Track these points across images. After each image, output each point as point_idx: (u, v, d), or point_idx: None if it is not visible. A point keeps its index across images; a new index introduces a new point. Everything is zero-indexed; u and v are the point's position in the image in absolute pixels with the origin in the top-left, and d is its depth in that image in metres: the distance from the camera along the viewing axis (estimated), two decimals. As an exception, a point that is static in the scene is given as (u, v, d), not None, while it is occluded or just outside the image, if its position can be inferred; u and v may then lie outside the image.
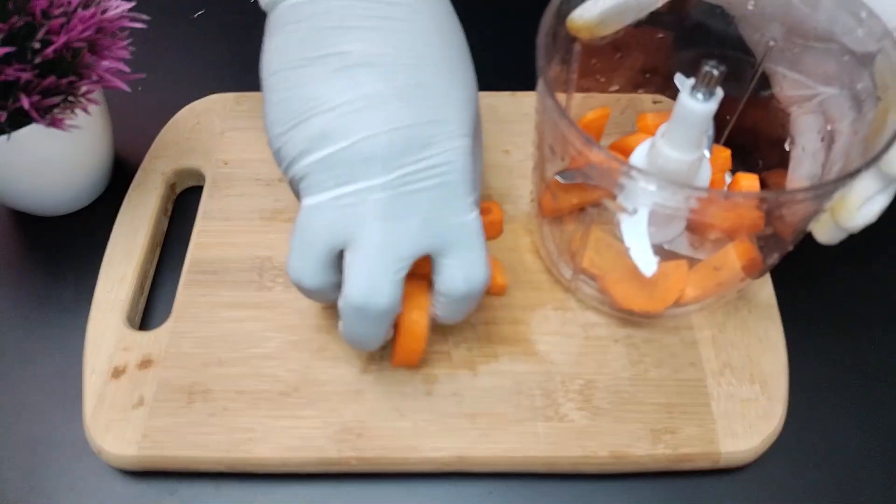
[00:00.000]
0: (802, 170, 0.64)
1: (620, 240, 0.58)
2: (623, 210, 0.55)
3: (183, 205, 0.80)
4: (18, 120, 0.66)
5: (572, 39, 0.62)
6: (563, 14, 0.60)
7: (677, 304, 0.66)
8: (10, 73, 0.62)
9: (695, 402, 0.64)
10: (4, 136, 0.66)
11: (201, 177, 0.79)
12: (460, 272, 0.57)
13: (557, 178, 0.61)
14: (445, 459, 0.62)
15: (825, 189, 0.51)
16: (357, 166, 0.55)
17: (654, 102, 0.79)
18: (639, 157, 0.65)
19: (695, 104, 0.56)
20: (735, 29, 0.65)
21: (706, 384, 0.65)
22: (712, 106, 0.56)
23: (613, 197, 0.54)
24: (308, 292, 0.59)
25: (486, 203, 0.74)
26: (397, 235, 0.55)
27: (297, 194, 0.58)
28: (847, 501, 0.63)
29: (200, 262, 0.72)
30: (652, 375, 0.65)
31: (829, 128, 0.61)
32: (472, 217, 0.57)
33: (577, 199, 0.68)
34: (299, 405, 0.64)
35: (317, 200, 0.56)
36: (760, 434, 0.63)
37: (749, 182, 0.68)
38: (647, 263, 0.58)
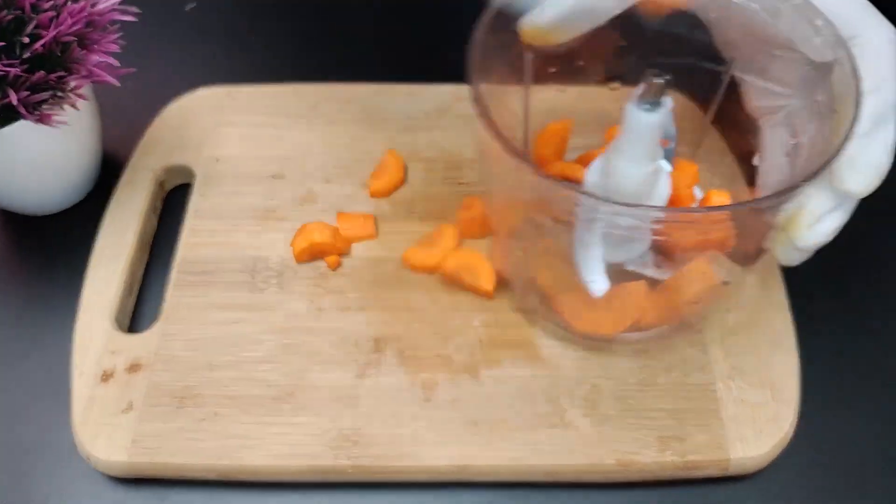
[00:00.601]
0: (769, 185, 0.63)
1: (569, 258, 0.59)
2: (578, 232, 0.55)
3: (173, 203, 0.79)
4: (6, 116, 0.65)
5: (523, 48, 0.61)
6: (497, 26, 0.59)
7: (636, 327, 0.64)
8: (-1, 68, 0.61)
9: (703, 407, 0.63)
10: (-9, 133, 0.65)
11: (191, 174, 0.78)
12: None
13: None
14: (445, 468, 0.61)
15: (761, 204, 0.50)
16: None
17: (612, 90, 0.76)
18: (595, 170, 0.63)
19: (641, 114, 0.55)
20: (702, 36, 0.65)
21: (715, 389, 0.64)
22: (659, 116, 0.55)
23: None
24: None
25: (469, 198, 0.73)
26: None
27: None
28: (860, 509, 0.62)
29: (191, 262, 0.71)
30: (660, 380, 0.64)
31: (792, 141, 0.61)
32: None
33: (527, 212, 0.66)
34: (293, 411, 0.63)
35: None
36: (771, 440, 0.62)
37: (720, 199, 0.67)
38: (595, 282, 0.59)
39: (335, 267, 0.71)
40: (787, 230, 0.58)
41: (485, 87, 0.55)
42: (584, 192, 0.49)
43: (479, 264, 0.69)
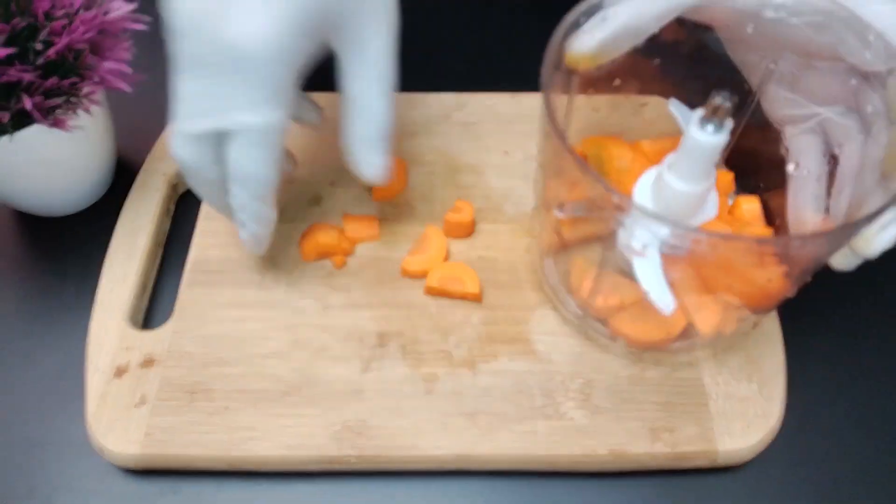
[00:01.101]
0: (806, 193, 0.63)
1: (627, 275, 0.58)
2: (636, 253, 0.54)
3: (185, 205, 0.80)
4: (21, 121, 0.66)
5: (569, 71, 0.62)
6: (565, 46, 0.59)
7: (686, 336, 0.65)
8: (13, 73, 0.62)
9: (693, 401, 0.64)
10: (7, 137, 0.66)
11: (203, 177, 0.79)
12: (235, 158, 0.60)
13: (556, 213, 0.61)
14: (445, 458, 0.62)
15: (851, 229, 0.49)
16: (172, 39, 0.58)
17: (641, 105, 0.77)
18: (644, 187, 0.63)
19: (704, 137, 0.54)
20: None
21: (704, 383, 0.65)
22: (722, 138, 0.54)
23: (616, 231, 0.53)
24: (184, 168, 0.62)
25: (460, 202, 0.75)
26: (187, 111, 0.59)
27: None
28: (844, 500, 0.63)
29: (202, 262, 0.73)
30: (650, 374, 0.66)
31: (836, 150, 0.61)
32: (261, 117, 0.58)
33: (582, 232, 0.67)
34: (300, 404, 0.64)
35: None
36: (758, 433, 0.63)
37: (750, 205, 0.68)
38: (665, 301, 0.58)
39: (340, 266, 0.72)
40: (851, 241, 0.58)
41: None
42: (664, 219, 0.48)
43: (463, 273, 0.70)
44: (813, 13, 0.57)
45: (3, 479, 0.64)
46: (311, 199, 0.77)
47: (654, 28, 0.59)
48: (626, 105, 0.73)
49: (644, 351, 0.67)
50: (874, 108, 0.57)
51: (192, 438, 0.62)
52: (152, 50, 0.77)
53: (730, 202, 0.70)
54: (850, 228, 0.49)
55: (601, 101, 0.70)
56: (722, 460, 0.63)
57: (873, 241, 0.56)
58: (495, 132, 0.82)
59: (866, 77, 0.57)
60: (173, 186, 0.79)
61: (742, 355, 0.67)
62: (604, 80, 0.65)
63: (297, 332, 0.68)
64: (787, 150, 0.66)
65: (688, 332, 0.64)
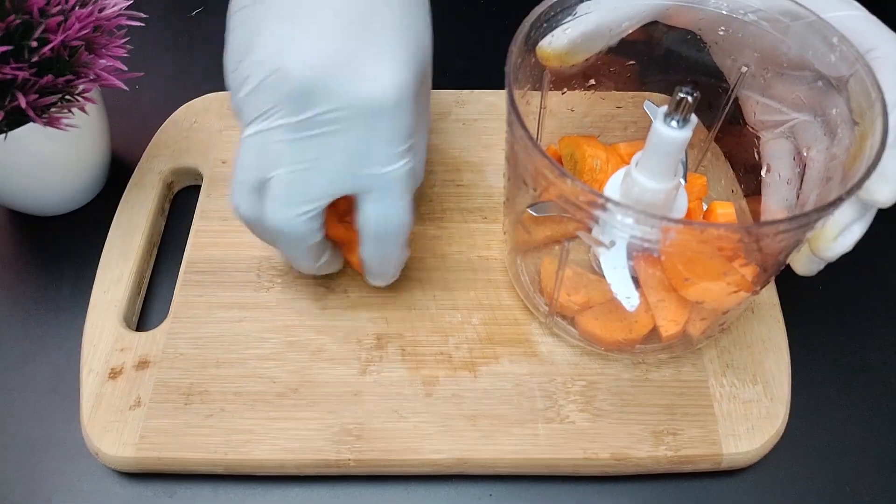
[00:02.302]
0: (778, 196, 0.63)
1: (595, 273, 0.58)
2: (600, 244, 0.54)
3: (180, 204, 0.80)
4: (16, 119, 0.65)
5: (542, 67, 0.62)
6: (532, 42, 0.59)
7: (651, 339, 0.65)
8: (7, 71, 0.62)
9: (697, 403, 0.64)
10: (1, 136, 0.65)
11: (199, 176, 0.79)
12: (373, 215, 0.59)
13: (530, 211, 0.60)
14: (445, 461, 0.62)
15: (808, 219, 0.49)
16: (277, 99, 0.55)
17: (617, 107, 0.76)
18: (613, 186, 0.63)
19: (669, 132, 0.54)
20: (708, 55, 0.65)
21: (708, 385, 0.65)
22: (687, 133, 0.54)
23: (589, 229, 0.53)
24: (244, 221, 0.60)
25: None
26: (305, 180, 0.56)
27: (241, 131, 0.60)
28: (850, 503, 0.63)
29: (198, 262, 0.72)
30: (653, 377, 0.65)
31: (804, 153, 0.61)
32: (398, 166, 0.57)
33: (551, 231, 0.66)
34: (297, 407, 0.64)
35: (247, 133, 0.57)
36: (763, 435, 0.62)
37: (724, 210, 0.67)
38: (629, 297, 0.59)
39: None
40: (810, 242, 0.58)
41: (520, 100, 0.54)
42: (630, 209, 0.48)
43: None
44: (782, 17, 0.58)
45: (-2, 481, 0.63)
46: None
47: (627, 30, 0.60)
48: (603, 105, 0.73)
49: (609, 352, 0.66)
50: (838, 111, 0.57)
51: (188, 441, 0.62)
52: (147, 47, 0.76)
53: (704, 207, 0.70)
54: (798, 220, 0.49)
55: (578, 100, 0.70)
56: (727, 464, 0.62)
57: (832, 244, 0.57)
58: (496, 130, 0.81)
59: (831, 81, 0.57)
60: (168, 185, 0.79)
61: (747, 356, 0.66)
62: (578, 78, 0.66)
63: (293, 334, 0.68)
64: (758, 154, 0.66)
65: (653, 334, 0.64)
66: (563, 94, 0.68)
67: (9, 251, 0.76)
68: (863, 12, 0.58)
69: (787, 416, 0.64)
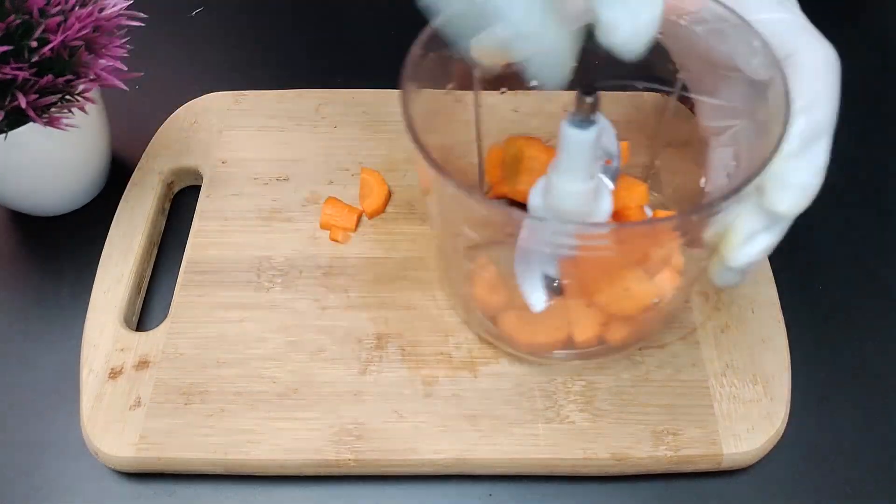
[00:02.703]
0: None
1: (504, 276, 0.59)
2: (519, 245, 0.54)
3: (180, 204, 0.80)
4: (16, 119, 0.65)
5: (470, 65, 0.61)
6: (433, 44, 0.57)
7: (572, 345, 0.64)
8: (8, 71, 0.62)
9: (697, 403, 0.64)
10: (1, 136, 0.65)
11: (199, 176, 0.79)
12: None
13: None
14: (445, 461, 0.61)
15: (681, 221, 0.49)
16: None
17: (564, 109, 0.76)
18: (538, 189, 0.62)
19: (575, 132, 0.54)
20: (653, 59, 0.64)
21: (708, 385, 0.65)
22: (592, 134, 0.54)
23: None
24: None
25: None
26: None
27: None
28: (851, 503, 0.63)
29: (198, 262, 0.72)
30: (654, 376, 0.65)
31: (734, 162, 0.60)
32: None
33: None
34: (298, 407, 0.64)
35: None
36: (763, 435, 0.62)
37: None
38: (537, 298, 0.59)
39: (343, 241, 0.73)
40: (718, 250, 0.58)
41: (417, 110, 0.53)
42: (509, 210, 0.49)
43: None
44: (713, 21, 0.57)
45: (-2, 481, 0.63)
46: (308, 197, 0.76)
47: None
48: (550, 105, 0.72)
49: (528, 356, 0.66)
50: (763, 117, 0.56)
51: (188, 441, 0.62)
52: (147, 47, 0.76)
53: (649, 213, 0.69)
54: (683, 218, 0.49)
55: (521, 100, 0.70)
56: (727, 464, 0.62)
57: (737, 253, 0.56)
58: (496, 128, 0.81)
59: (758, 86, 0.57)
60: (168, 185, 0.79)
61: (747, 356, 0.66)
62: (513, 78, 0.65)
63: (293, 334, 0.68)
64: (697, 164, 0.65)
65: (570, 340, 0.63)
66: (501, 93, 0.68)
67: (9, 251, 0.76)
68: (792, 16, 0.57)
69: (787, 416, 0.64)
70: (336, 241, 0.73)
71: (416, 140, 0.51)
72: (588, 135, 0.54)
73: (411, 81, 0.54)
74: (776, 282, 0.70)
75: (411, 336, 0.68)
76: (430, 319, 0.69)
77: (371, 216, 0.75)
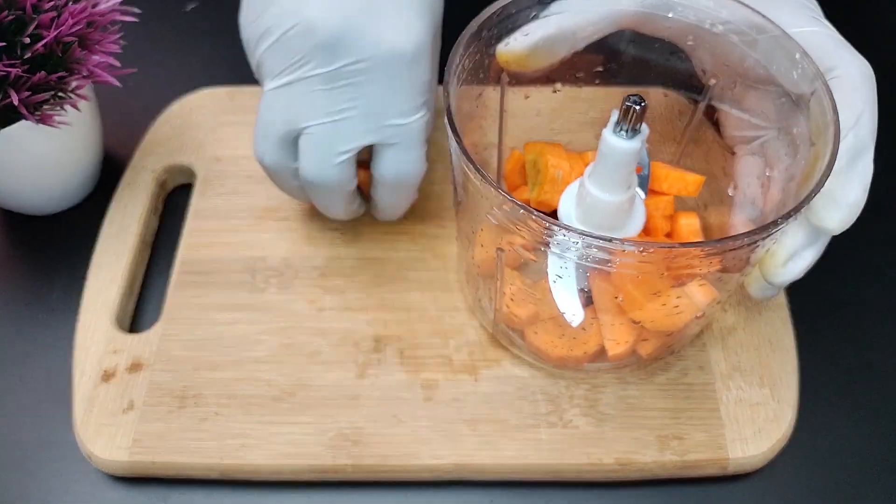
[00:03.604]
0: (743, 215, 0.63)
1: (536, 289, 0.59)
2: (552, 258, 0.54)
3: (174, 203, 0.79)
4: (7, 116, 0.65)
5: (500, 68, 0.61)
6: (484, 42, 0.59)
7: (600, 357, 0.64)
8: (0, 68, 0.61)
9: (703, 406, 0.63)
10: (-8, 133, 0.65)
11: (192, 174, 0.78)
12: (393, 165, 0.62)
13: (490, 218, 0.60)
14: (445, 467, 0.61)
15: (738, 242, 0.48)
16: (304, 51, 0.57)
17: (583, 113, 0.75)
18: (569, 196, 0.63)
19: (618, 142, 0.54)
20: (680, 64, 0.64)
21: (714, 388, 0.64)
22: (635, 144, 0.53)
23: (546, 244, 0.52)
24: (269, 171, 0.65)
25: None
26: (338, 130, 0.59)
27: (262, 83, 0.62)
28: (859, 509, 0.62)
29: (191, 262, 0.71)
30: (659, 379, 0.64)
31: (767, 173, 0.60)
32: (416, 118, 0.60)
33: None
34: (293, 411, 0.63)
35: (272, 86, 0.60)
36: (770, 439, 0.62)
37: (688, 221, 0.67)
38: (574, 314, 0.59)
39: None
40: (760, 266, 0.58)
41: (461, 115, 0.55)
42: (554, 223, 0.48)
43: None
44: (748, 30, 0.58)
45: (-10, 485, 0.63)
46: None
47: (591, 36, 0.60)
48: (573, 109, 0.71)
49: (557, 368, 0.65)
50: (799, 130, 0.56)
51: (182, 445, 0.61)
52: (141, 43, 0.75)
53: (641, 196, 0.68)
54: (723, 244, 0.48)
55: (544, 103, 0.69)
56: (733, 468, 0.61)
57: (781, 270, 0.57)
58: (495, 127, 0.80)
59: (794, 98, 0.57)
60: (161, 184, 0.78)
61: (754, 358, 0.66)
62: (542, 81, 0.66)
63: (289, 336, 0.67)
64: (724, 171, 0.65)
65: (602, 353, 0.63)
66: (526, 98, 0.68)
67: (-1, 251, 0.75)
68: (829, 30, 0.58)
69: (794, 420, 0.63)
70: None
71: (464, 152, 0.52)
72: (632, 145, 0.54)
73: (454, 81, 0.55)
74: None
75: (410, 339, 0.67)
76: (429, 322, 0.68)
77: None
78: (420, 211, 0.75)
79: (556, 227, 0.48)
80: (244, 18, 0.62)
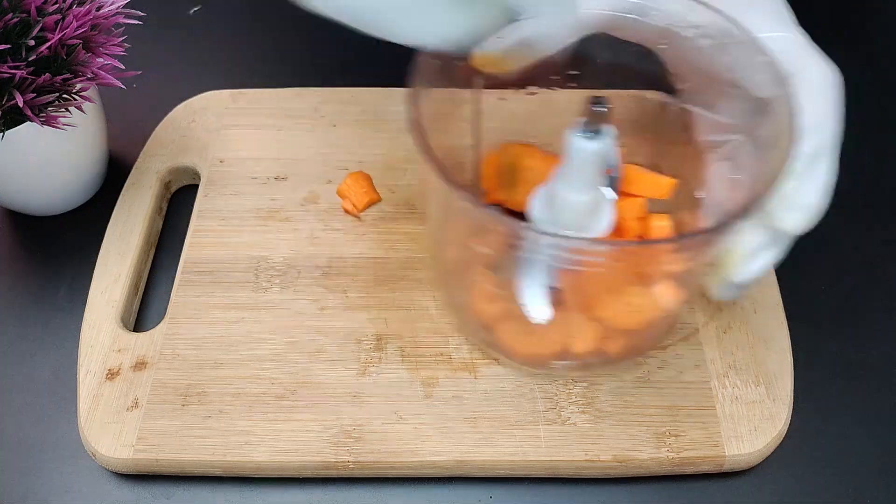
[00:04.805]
0: (711, 218, 0.62)
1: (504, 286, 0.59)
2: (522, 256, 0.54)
3: (178, 204, 0.79)
4: (13, 118, 0.65)
5: (472, 70, 0.61)
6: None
7: (570, 356, 0.64)
8: (5, 70, 0.62)
9: (699, 404, 0.63)
10: (-2, 135, 0.65)
11: (196, 175, 0.78)
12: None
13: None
14: (445, 463, 0.61)
15: (690, 241, 0.49)
16: None
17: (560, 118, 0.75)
18: (540, 197, 0.63)
19: (583, 143, 0.54)
20: (653, 68, 0.64)
21: (710, 386, 0.64)
22: (600, 145, 0.54)
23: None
24: None
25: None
26: None
27: None
28: (853, 505, 0.63)
29: (195, 262, 0.72)
30: (656, 377, 0.65)
31: (734, 177, 0.60)
32: None
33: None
34: (296, 408, 0.63)
35: None
36: (765, 437, 0.62)
37: (660, 223, 0.67)
38: (539, 310, 0.59)
39: (352, 213, 0.74)
40: (720, 266, 0.58)
41: (426, 119, 0.54)
42: (513, 223, 0.48)
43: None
44: (717, 35, 0.58)
45: (-4, 482, 0.63)
46: (307, 197, 0.75)
47: (566, 39, 0.59)
48: (548, 112, 0.71)
49: (525, 366, 0.66)
50: (764, 134, 0.56)
51: (186, 443, 0.62)
52: (145, 45, 0.76)
53: (613, 197, 0.68)
54: (679, 242, 0.48)
55: (519, 105, 0.70)
56: (729, 465, 0.62)
57: (739, 269, 0.57)
58: (496, 129, 0.80)
59: (760, 103, 0.57)
60: (166, 185, 0.78)
61: (749, 357, 0.66)
62: (516, 84, 0.67)
63: (292, 334, 0.67)
64: (694, 175, 0.65)
65: (568, 350, 0.63)
66: (500, 99, 0.68)
67: (5, 251, 0.76)
68: (796, 35, 0.58)
69: (789, 417, 0.64)
70: (346, 211, 0.74)
71: (426, 148, 0.51)
72: (596, 146, 0.54)
73: (420, 84, 0.55)
74: (779, 282, 0.70)
75: (411, 337, 0.67)
76: (430, 320, 0.68)
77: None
78: (420, 211, 0.75)
79: (517, 227, 0.48)
80: None
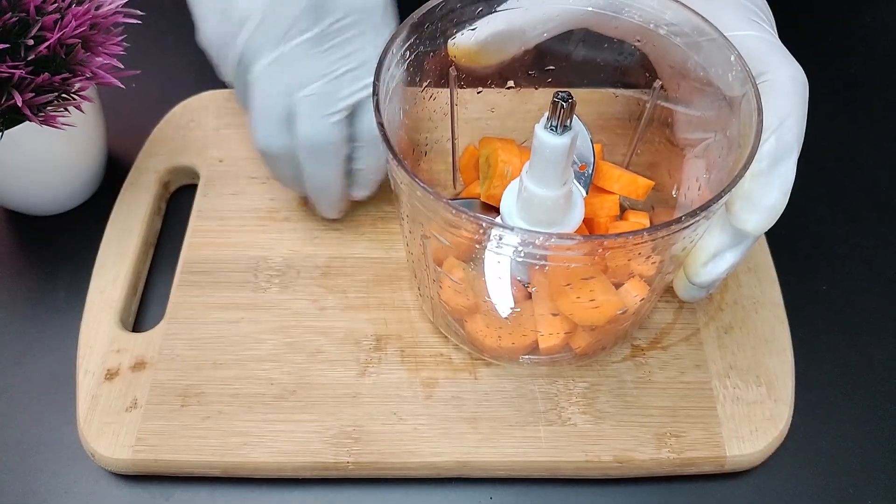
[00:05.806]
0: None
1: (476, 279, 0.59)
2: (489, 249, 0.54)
3: (177, 204, 0.79)
4: (12, 118, 0.65)
5: (447, 63, 0.61)
6: (425, 38, 0.59)
7: (535, 350, 0.64)
8: (4, 69, 0.62)
9: (700, 405, 0.63)
10: (-4, 135, 0.65)
11: (195, 175, 0.78)
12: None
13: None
14: (445, 464, 0.61)
15: (643, 237, 0.48)
16: (292, 18, 0.60)
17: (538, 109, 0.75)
18: (511, 191, 0.62)
19: (549, 138, 0.54)
20: (629, 65, 0.64)
21: (711, 387, 0.64)
22: (566, 140, 0.54)
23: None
24: (270, 158, 0.66)
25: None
26: (335, 87, 0.62)
27: (245, 83, 0.65)
28: (854, 506, 0.63)
29: (194, 262, 0.72)
30: (656, 378, 0.65)
31: (706, 175, 0.60)
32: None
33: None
34: (295, 409, 0.63)
35: (264, 63, 0.62)
36: (766, 437, 0.62)
37: (638, 220, 0.67)
38: (504, 303, 0.60)
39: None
40: (684, 267, 0.58)
41: (394, 108, 0.56)
42: (468, 214, 0.48)
43: None
44: (690, 33, 0.58)
45: (-6, 482, 0.63)
46: (304, 197, 0.75)
47: (542, 34, 0.60)
48: (527, 106, 0.71)
49: (494, 360, 0.66)
50: (733, 133, 0.56)
51: (185, 443, 0.62)
52: (144, 44, 0.76)
53: (583, 194, 0.68)
54: (634, 237, 0.48)
55: (498, 99, 0.70)
56: (730, 466, 0.62)
57: (702, 270, 0.57)
58: (495, 127, 0.80)
59: (729, 101, 0.57)
60: (165, 185, 0.78)
61: (750, 357, 0.66)
62: (494, 78, 0.66)
63: (291, 335, 0.67)
64: (669, 173, 0.66)
65: (535, 345, 0.63)
66: (478, 92, 0.68)
67: (4, 251, 0.76)
68: (767, 34, 0.58)
69: (790, 418, 0.64)
70: None
71: (387, 141, 0.51)
72: (562, 140, 0.54)
73: (385, 78, 0.55)
74: (780, 282, 0.70)
75: (411, 337, 0.67)
76: (429, 321, 0.68)
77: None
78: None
79: (479, 222, 0.48)
80: (206, 25, 0.66)
